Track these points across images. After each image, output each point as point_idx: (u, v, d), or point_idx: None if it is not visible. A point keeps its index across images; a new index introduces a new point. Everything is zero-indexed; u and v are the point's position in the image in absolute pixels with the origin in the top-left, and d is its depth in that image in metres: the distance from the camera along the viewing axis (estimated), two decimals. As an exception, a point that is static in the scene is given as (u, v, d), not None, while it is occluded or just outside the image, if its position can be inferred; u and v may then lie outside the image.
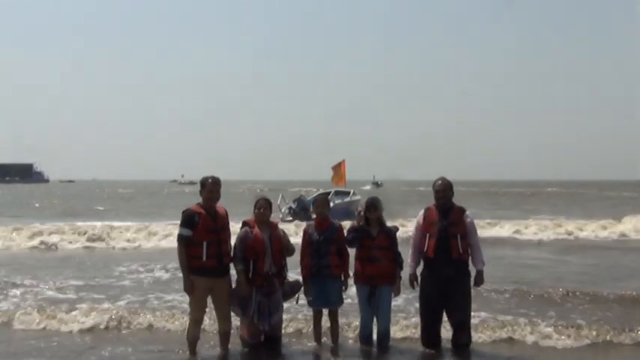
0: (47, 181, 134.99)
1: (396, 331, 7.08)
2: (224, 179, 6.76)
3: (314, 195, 25.92)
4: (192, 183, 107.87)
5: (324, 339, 6.79)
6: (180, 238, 6.17)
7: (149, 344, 7.01)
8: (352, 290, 6.78)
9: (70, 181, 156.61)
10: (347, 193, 26.62)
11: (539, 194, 68.02)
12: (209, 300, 6.37)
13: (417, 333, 6.93)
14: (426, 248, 6.42)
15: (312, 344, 6.80)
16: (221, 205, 6.43)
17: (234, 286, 6.44)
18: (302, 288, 6.61)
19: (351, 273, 6.68)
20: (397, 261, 6.57)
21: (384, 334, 6.63)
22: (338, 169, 26.39)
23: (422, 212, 6.62)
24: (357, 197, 26.83)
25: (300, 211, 22.07)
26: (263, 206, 6.51)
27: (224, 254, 6.22)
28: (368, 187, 69.05)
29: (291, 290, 6.63)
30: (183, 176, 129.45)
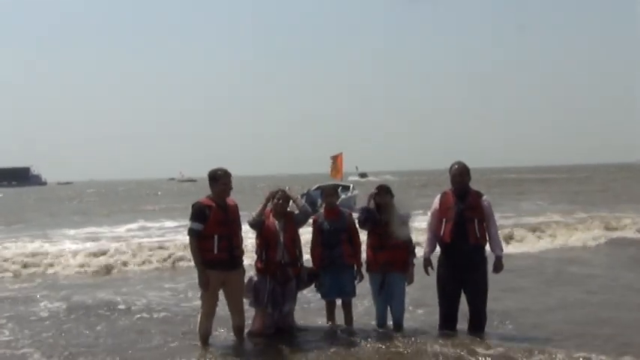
0: (45, 183, 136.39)
1: (408, 321, 7.22)
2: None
3: (313, 189, 26.00)
4: (191, 180, 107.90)
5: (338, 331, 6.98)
6: (192, 233, 6.37)
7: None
8: (365, 280, 6.97)
9: (67, 183, 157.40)
10: (347, 188, 26.56)
11: (550, 181, 65.73)
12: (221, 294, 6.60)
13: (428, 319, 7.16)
14: (442, 233, 6.58)
15: (325, 336, 6.93)
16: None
17: (247, 278, 6.71)
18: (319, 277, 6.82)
19: (363, 262, 6.87)
20: (409, 248, 6.74)
21: (399, 323, 6.84)
22: (335, 161, 26.48)
23: (438, 197, 6.79)
24: (356, 192, 26.84)
25: (309, 206, 22.15)
26: (282, 198, 6.79)
27: (235, 247, 6.44)
28: (355, 178, 68.50)
29: (310, 278, 6.85)
30: (181, 173, 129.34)
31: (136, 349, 6.81)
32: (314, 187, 26.63)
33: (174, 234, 19.32)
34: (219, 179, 6.46)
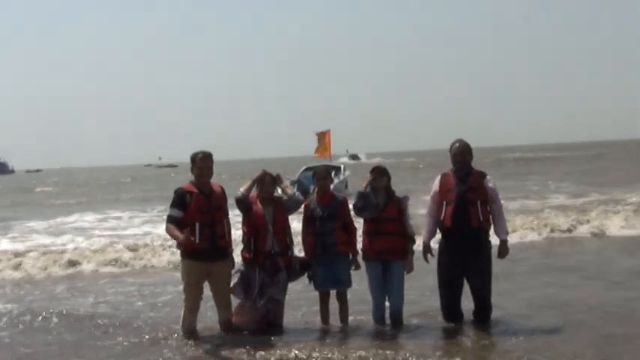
0: (12, 171, 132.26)
1: (412, 311, 6.97)
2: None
3: (300, 172, 25.22)
4: (171, 165, 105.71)
5: (332, 323, 6.71)
6: (170, 220, 6.14)
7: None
8: (362, 269, 6.68)
9: (37, 171, 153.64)
10: (338, 169, 25.15)
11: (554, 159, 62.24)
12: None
13: (430, 310, 6.92)
14: (442, 217, 6.33)
15: (318, 329, 6.69)
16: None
17: (234, 270, 6.42)
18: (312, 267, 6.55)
19: (359, 250, 6.59)
20: (408, 234, 6.48)
21: (398, 315, 6.56)
22: (322, 138, 25.21)
23: (438, 179, 6.54)
24: (348, 173, 26.12)
25: (301, 194, 21.40)
26: (268, 181, 6.46)
27: (219, 236, 6.17)
28: (345, 160, 66.78)
29: (302, 268, 6.57)
30: (160, 159, 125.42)
31: (100, 348, 6.42)
32: (302, 169, 25.64)
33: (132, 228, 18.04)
34: (196, 163, 6.20)
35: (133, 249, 12.40)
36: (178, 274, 6.74)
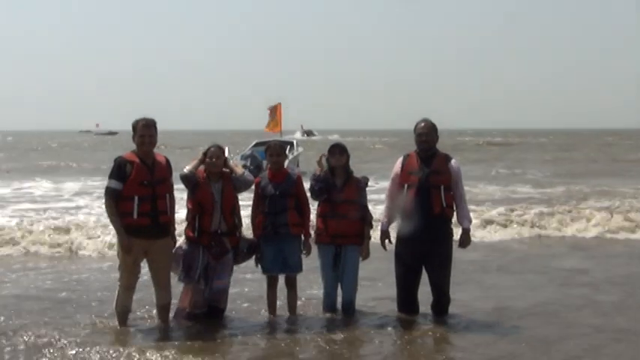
0: None
1: (367, 301, 6.73)
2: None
3: (250, 147, 24.67)
4: (111, 133, 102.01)
5: (279, 311, 6.39)
6: (108, 192, 5.77)
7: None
8: (314, 253, 6.38)
9: None
10: (290, 145, 24.11)
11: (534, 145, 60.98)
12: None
13: (385, 299, 6.70)
14: (403, 202, 6.06)
15: (265, 317, 6.39)
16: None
17: (176, 249, 6.06)
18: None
19: (312, 232, 6.32)
20: (366, 218, 6.23)
21: (349, 304, 6.32)
22: (274, 113, 24.51)
23: (400, 159, 6.29)
24: (301, 149, 25.71)
25: (255, 169, 20.70)
26: (215, 155, 6.08)
27: (161, 212, 5.81)
28: (298, 136, 65.08)
29: (250, 250, 6.24)
30: (98, 125, 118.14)
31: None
32: (252, 144, 25.07)
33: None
34: (137, 130, 5.83)
35: (56, 228, 10.87)
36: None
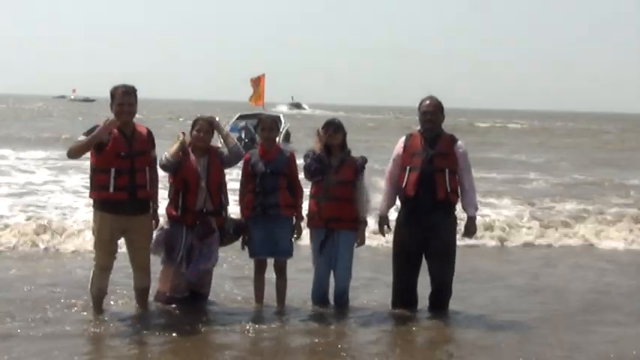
0: None
1: (359, 294, 6.47)
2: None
3: (234, 120, 24.19)
4: (87, 100, 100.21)
5: (266, 298, 6.10)
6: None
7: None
8: (306, 238, 6.14)
9: None
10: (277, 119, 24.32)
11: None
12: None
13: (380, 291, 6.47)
14: (404, 184, 5.82)
15: (250, 305, 6.12)
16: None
17: (157, 228, 5.78)
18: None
19: (304, 215, 6.03)
20: (362, 201, 5.91)
21: (342, 293, 6.05)
22: (257, 85, 23.95)
23: (402, 139, 6.01)
24: (288, 125, 25.27)
25: (249, 142, 19.99)
26: (203, 128, 5.78)
27: (139, 186, 5.51)
28: (284, 109, 63.15)
29: (236, 231, 5.95)
30: (74, 91, 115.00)
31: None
32: (235, 117, 24.51)
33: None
34: (115, 98, 5.51)
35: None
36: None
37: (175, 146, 5.62)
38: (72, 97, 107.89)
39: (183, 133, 5.75)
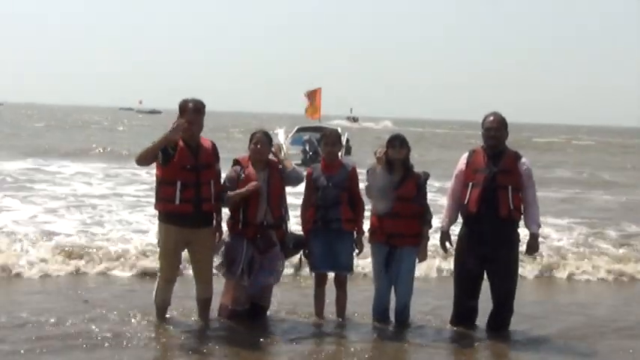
0: None
1: (419, 307, 6.46)
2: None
3: (293, 132, 24.20)
4: (154, 112, 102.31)
5: (326, 313, 6.15)
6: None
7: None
8: (367, 253, 6.15)
9: None
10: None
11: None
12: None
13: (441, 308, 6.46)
14: (467, 201, 5.81)
15: (311, 318, 6.16)
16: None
17: (219, 241, 5.85)
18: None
19: (366, 230, 6.04)
20: (425, 217, 5.94)
21: (403, 309, 6.04)
22: (313, 98, 24.13)
23: (465, 155, 6.01)
24: (348, 139, 25.19)
25: (313, 155, 19.61)
26: (261, 141, 5.85)
27: (204, 199, 5.60)
28: (342, 122, 63.21)
29: (296, 246, 6.01)
30: (141, 102, 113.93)
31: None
32: (294, 130, 24.52)
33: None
34: (186, 112, 5.59)
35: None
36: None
37: (242, 191, 5.66)
38: (138, 108, 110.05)
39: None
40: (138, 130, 49.66)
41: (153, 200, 5.70)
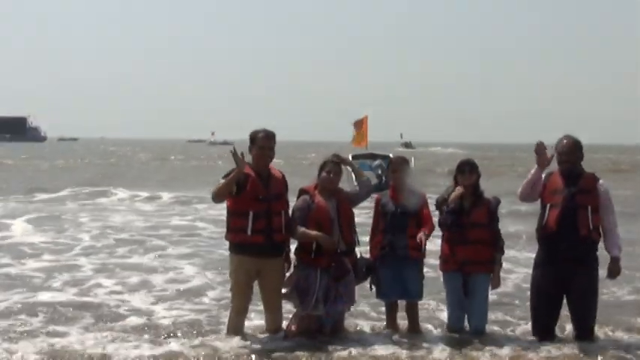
0: (44, 138, 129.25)
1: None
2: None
3: (355, 161, 24.23)
4: (226, 143, 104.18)
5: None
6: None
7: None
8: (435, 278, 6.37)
9: (72, 139, 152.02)
10: (384, 158, 22.34)
11: None
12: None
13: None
14: (545, 221, 5.89)
15: (385, 344, 6.08)
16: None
17: (289, 272, 6.01)
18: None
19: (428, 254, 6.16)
20: (497, 243, 6.03)
21: (480, 334, 6.09)
22: (360, 126, 23.93)
23: (542, 177, 6.06)
24: (412, 162, 25.00)
25: (384, 184, 19.69)
26: (333, 170, 5.99)
27: (275, 229, 5.76)
28: (397, 149, 62.97)
29: (367, 270, 6.10)
30: (213, 134, 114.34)
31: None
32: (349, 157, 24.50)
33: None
34: (257, 142, 5.82)
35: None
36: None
37: (310, 234, 5.80)
38: (211, 140, 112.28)
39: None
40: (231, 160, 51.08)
41: None
